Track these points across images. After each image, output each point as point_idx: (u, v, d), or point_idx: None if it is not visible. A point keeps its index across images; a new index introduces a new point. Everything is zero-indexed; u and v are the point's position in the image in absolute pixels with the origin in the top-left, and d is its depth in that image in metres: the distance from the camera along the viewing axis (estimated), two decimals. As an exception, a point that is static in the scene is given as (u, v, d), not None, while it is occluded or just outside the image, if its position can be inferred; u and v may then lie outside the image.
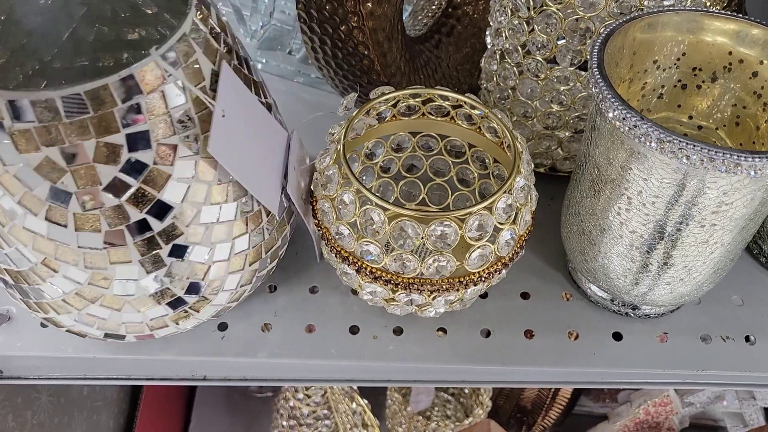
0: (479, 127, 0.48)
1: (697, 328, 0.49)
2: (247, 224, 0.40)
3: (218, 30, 0.37)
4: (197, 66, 0.34)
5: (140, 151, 0.33)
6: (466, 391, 0.94)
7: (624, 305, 0.48)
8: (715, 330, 0.49)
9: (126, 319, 0.39)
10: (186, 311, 0.41)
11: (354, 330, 0.48)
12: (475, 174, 0.51)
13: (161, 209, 0.35)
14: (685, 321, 0.49)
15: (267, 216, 0.42)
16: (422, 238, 0.39)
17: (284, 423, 0.84)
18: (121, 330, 0.40)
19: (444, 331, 0.48)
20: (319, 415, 0.82)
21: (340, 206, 0.41)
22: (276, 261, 0.45)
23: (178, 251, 0.37)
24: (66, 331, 0.41)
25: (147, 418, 0.82)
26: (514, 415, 0.91)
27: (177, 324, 0.41)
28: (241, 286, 0.42)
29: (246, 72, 0.40)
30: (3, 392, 0.59)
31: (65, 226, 0.34)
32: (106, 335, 0.41)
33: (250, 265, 0.42)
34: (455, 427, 0.83)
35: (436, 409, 0.96)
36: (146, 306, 0.39)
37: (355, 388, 0.78)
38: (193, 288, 0.39)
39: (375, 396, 0.85)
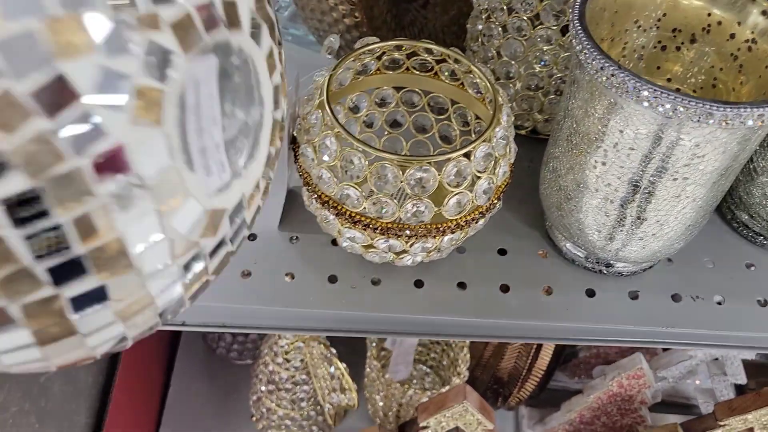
0: (462, 83, 0.49)
1: (669, 287, 0.50)
2: None
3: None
4: None
5: None
6: (444, 362, 0.95)
7: (598, 262, 0.49)
8: (686, 290, 0.50)
9: None
10: None
11: (332, 279, 0.49)
12: (457, 131, 0.51)
13: None
14: (657, 280, 0.50)
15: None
16: (401, 182, 0.40)
17: (263, 388, 0.85)
18: None
19: (421, 283, 0.49)
20: (297, 380, 0.82)
21: (322, 150, 0.41)
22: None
23: None
24: None
25: (126, 378, 0.82)
26: (491, 386, 0.92)
27: None
28: None
29: None
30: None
31: None
32: None
33: None
34: (432, 394, 0.84)
35: (414, 381, 0.97)
36: None
37: (334, 352, 0.79)
38: None
39: (354, 366, 0.86)
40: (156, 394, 0.94)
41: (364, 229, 0.42)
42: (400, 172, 0.40)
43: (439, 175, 0.40)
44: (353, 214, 0.42)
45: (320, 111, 0.42)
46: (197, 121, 0.24)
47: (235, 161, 0.26)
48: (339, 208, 0.42)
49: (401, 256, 0.45)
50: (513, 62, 0.52)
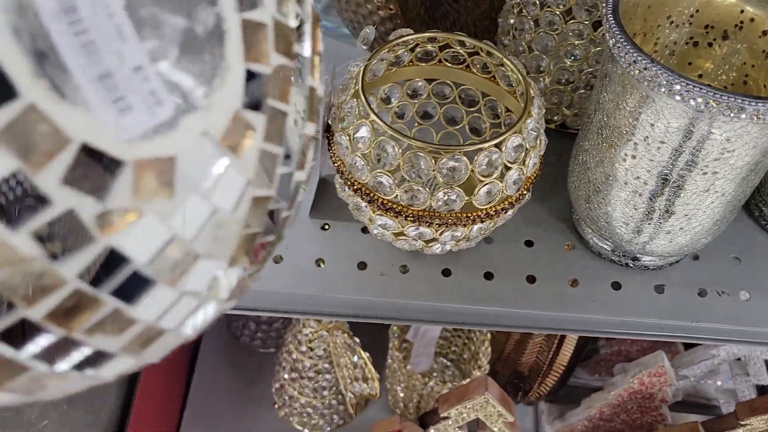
0: (493, 76, 0.49)
1: (695, 282, 0.50)
2: None
3: None
4: None
5: None
6: (465, 356, 0.95)
7: (624, 255, 0.50)
8: (712, 285, 0.50)
9: None
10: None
11: (362, 266, 0.50)
12: (487, 123, 0.52)
13: None
14: (683, 274, 0.50)
15: None
16: (433, 170, 0.41)
17: (286, 376, 0.86)
18: None
19: (449, 271, 0.50)
20: (320, 369, 0.83)
21: (356, 138, 0.42)
22: None
23: None
24: None
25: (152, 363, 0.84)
26: (511, 380, 0.92)
27: None
28: None
29: None
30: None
31: None
32: None
33: None
34: (452, 386, 0.85)
35: (435, 374, 0.98)
36: None
37: (358, 341, 0.80)
38: None
39: (375, 357, 0.87)
40: (181, 379, 0.96)
41: (396, 217, 0.43)
42: (433, 161, 0.41)
43: (470, 164, 0.41)
44: (385, 202, 0.43)
45: (355, 100, 0.43)
46: (78, 33, 0.17)
47: (184, 88, 0.20)
48: (371, 195, 0.43)
49: (430, 244, 0.45)
50: (544, 56, 0.52)
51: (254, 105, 0.22)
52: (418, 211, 0.42)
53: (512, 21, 0.53)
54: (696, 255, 0.52)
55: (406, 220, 0.43)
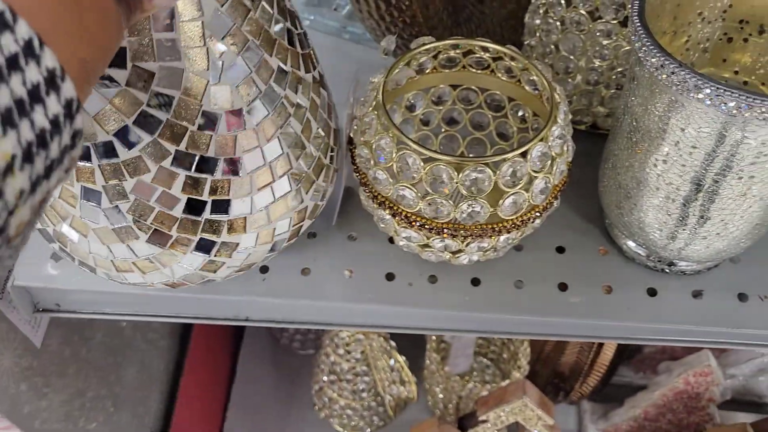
0: (519, 80, 0.48)
1: (734, 286, 0.48)
2: None
3: None
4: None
5: None
6: (505, 355, 0.94)
7: (660, 261, 0.48)
8: (753, 289, 0.48)
9: (93, 250, 0.38)
10: (152, 261, 0.38)
11: (390, 277, 0.49)
12: (514, 128, 0.51)
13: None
14: (722, 279, 0.49)
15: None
16: (456, 183, 0.40)
17: (324, 378, 0.87)
18: (90, 260, 0.39)
19: (478, 281, 0.49)
20: (358, 372, 0.84)
21: (378, 151, 0.42)
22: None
23: (142, 189, 0.35)
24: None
25: (194, 366, 0.85)
26: (552, 380, 0.91)
27: (144, 274, 0.40)
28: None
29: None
30: (62, 328, 0.62)
31: None
32: (80, 263, 0.40)
33: None
34: (492, 387, 0.84)
35: (474, 374, 0.97)
36: (110, 240, 0.37)
37: (394, 345, 0.80)
38: (158, 239, 0.37)
39: (413, 359, 0.87)
40: (223, 380, 0.97)
41: (420, 229, 0.43)
42: (456, 173, 0.40)
43: (494, 175, 0.40)
44: (409, 215, 0.42)
45: (376, 112, 0.42)
46: None
47: None
48: (395, 208, 0.43)
49: (457, 255, 0.45)
50: (572, 57, 0.51)
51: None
52: (443, 223, 0.42)
53: (538, 21, 0.52)
54: (735, 258, 0.50)
55: (430, 232, 0.42)
